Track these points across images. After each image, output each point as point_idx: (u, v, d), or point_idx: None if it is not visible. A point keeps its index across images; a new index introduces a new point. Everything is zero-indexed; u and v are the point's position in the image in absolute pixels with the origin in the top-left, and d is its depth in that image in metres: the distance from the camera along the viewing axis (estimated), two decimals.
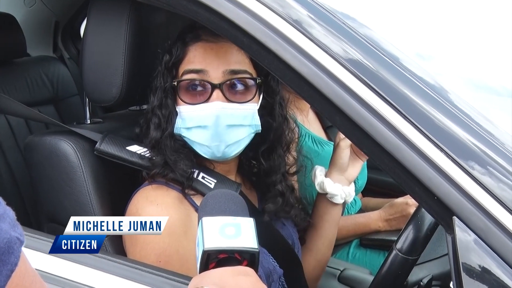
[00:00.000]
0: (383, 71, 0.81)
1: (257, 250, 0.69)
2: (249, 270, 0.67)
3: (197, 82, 1.03)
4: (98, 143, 1.10)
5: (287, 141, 1.16)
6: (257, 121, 1.06)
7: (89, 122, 1.26)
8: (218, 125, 1.02)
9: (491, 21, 1.20)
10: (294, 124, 1.20)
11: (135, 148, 1.10)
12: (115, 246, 1.07)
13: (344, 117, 0.80)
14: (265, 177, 1.15)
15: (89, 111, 1.27)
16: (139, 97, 1.20)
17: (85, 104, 1.28)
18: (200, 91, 1.03)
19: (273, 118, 1.11)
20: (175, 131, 1.06)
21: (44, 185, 1.16)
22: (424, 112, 0.79)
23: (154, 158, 1.06)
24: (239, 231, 0.69)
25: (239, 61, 1.04)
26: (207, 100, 1.02)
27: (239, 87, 1.04)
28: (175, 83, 1.05)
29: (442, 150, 0.76)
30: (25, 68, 1.81)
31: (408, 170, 0.77)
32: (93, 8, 1.17)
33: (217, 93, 1.02)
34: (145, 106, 1.34)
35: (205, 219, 0.71)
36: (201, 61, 1.03)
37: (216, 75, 1.02)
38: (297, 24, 0.84)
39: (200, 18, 0.90)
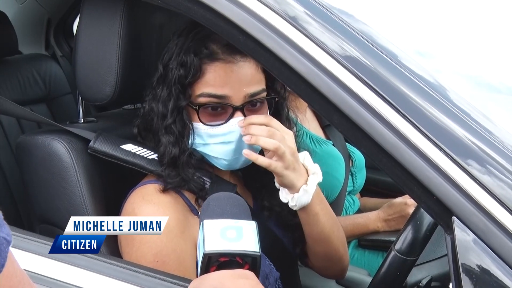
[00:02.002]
0: (381, 69, 0.80)
1: (259, 254, 0.68)
2: (249, 274, 0.67)
3: (218, 106, 1.02)
4: (92, 142, 1.09)
5: None
6: None
7: (82, 121, 1.25)
8: (241, 140, 1.02)
9: (492, 18, 1.19)
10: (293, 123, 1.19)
11: (129, 147, 1.08)
12: (109, 247, 1.05)
13: (342, 116, 0.79)
14: (264, 175, 1.14)
15: (83, 110, 1.25)
16: (133, 96, 1.19)
17: (78, 103, 1.26)
18: (220, 112, 1.02)
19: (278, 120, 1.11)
20: (192, 146, 1.05)
21: (36, 186, 1.14)
22: (423, 110, 0.78)
23: (169, 174, 1.03)
24: (240, 234, 0.68)
25: (257, 81, 1.03)
26: (227, 121, 1.02)
27: (257, 106, 1.05)
28: (196, 107, 1.02)
29: (441, 149, 0.75)
30: (17, 66, 1.79)
31: (407, 169, 0.76)
32: (86, 4, 1.16)
33: (237, 114, 1.02)
34: (139, 105, 1.33)
35: (206, 222, 0.70)
36: (223, 85, 1.01)
37: (237, 98, 1.02)
38: (293, 21, 0.83)
39: (195, 15, 0.89)
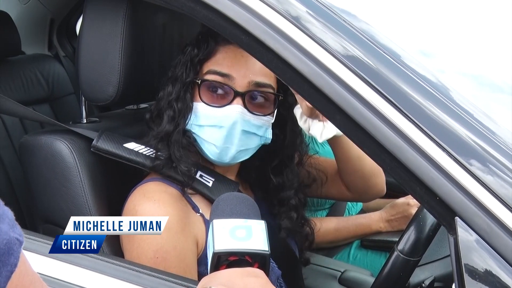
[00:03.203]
0: (384, 69, 0.80)
1: (268, 253, 0.69)
2: (259, 272, 0.67)
3: (220, 86, 1.03)
4: (94, 140, 1.09)
5: (300, 155, 1.15)
6: (269, 134, 1.08)
7: (85, 121, 1.25)
8: (234, 127, 1.03)
9: (494, 18, 1.19)
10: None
11: (132, 146, 1.09)
12: (112, 247, 1.06)
13: (344, 116, 0.79)
14: (276, 192, 1.14)
15: (85, 110, 1.26)
16: (136, 96, 1.19)
17: (81, 103, 1.27)
18: (222, 94, 1.04)
19: (283, 132, 1.12)
20: (187, 127, 1.06)
21: (39, 186, 1.14)
22: (426, 110, 0.78)
23: (160, 149, 1.05)
24: (250, 234, 0.69)
25: (266, 74, 1.05)
26: (226, 104, 1.03)
27: (260, 99, 1.05)
28: (198, 81, 1.04)
29: (444, 149, 0.75)
30: (20, 67, 1.79)
31: (410, 170, 0.76)
32: (89, 5, 1.16)
33: (238, 100, 1.03)
34: (142, 105, 1.33)
35: (215, 221, 0.71)
36: (230, 65, 1.03)
37: (241, 83, 1.03)
38: (296, 22, 0.83)
39: (198, 15, 0.89)
